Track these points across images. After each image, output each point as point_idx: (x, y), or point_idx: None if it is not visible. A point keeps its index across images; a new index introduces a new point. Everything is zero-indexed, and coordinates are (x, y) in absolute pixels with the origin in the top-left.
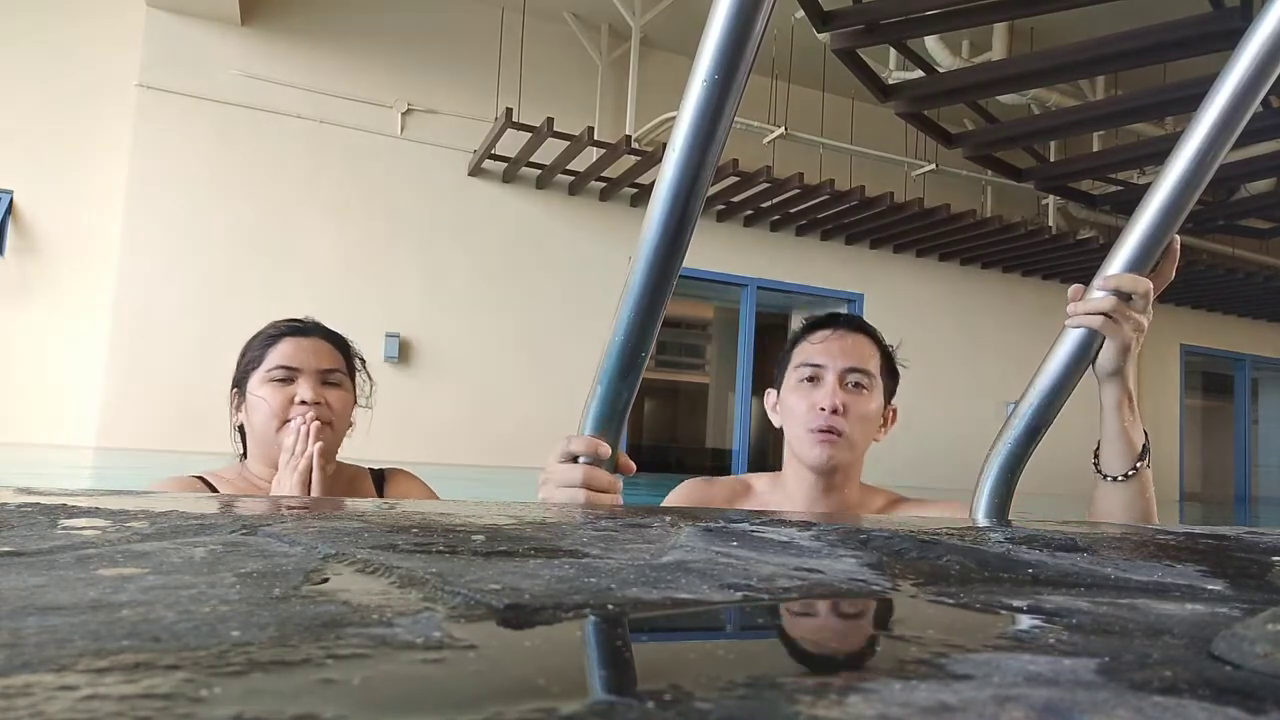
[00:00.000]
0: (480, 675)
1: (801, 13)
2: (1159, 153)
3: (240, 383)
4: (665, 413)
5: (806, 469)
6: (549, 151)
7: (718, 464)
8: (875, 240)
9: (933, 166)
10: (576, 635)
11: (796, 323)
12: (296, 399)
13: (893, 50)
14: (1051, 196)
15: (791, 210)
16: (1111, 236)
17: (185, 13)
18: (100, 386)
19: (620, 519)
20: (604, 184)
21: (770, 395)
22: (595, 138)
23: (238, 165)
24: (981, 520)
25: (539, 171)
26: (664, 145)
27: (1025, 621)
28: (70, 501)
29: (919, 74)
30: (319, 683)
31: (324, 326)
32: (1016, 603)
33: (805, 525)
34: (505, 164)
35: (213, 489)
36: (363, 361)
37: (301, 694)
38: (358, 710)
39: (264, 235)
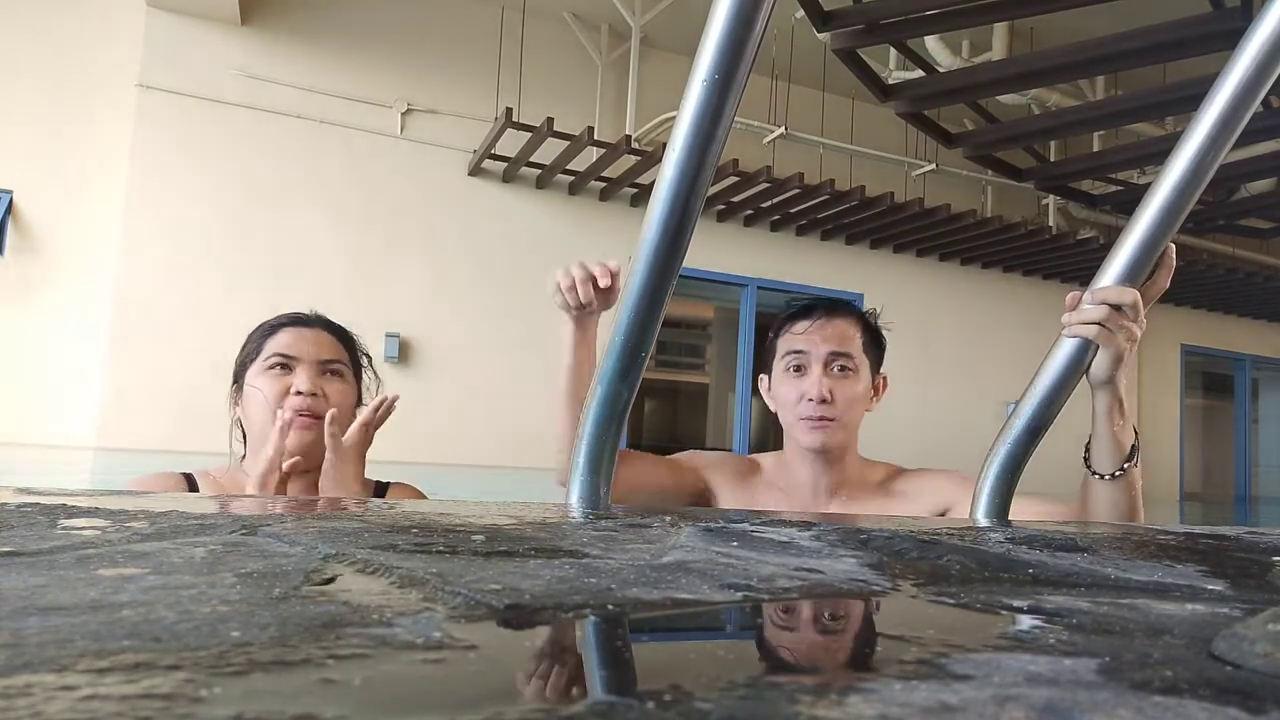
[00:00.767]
0: (480, 675)
1: (801, 13)
2: (1159, 153)
3: (239, 376)
4: (665, 412)
5: (805, 450)
6: (549, 151)
7: None
8: (875, 240)
9: (933, 166)
10: (576, 635)
11: None
12: (293, 389)
13: (893, 50)
14: (1051, 196)
15: (791, 210)
16: (1111, 236)
17: (185, 13)
18: (100, 386)
19: (620, 519)
20: (604, 184)
21: (763, 380)
22: (595, 138)
23: (238, 165)
24: (981, 520)
25: (539, 171)
26: (664, 145)
27: (1026, 621)
28: (70, 501)
29: (919, 74)
30: (319, 683)
31: (327, 319)
32: (1017, 603)
33: (805, 525)
34: (505, 164)
35: (194, 487)
36: (369, 358)
37: (301, 694)
38: (358, 710)
39: (264, 235)
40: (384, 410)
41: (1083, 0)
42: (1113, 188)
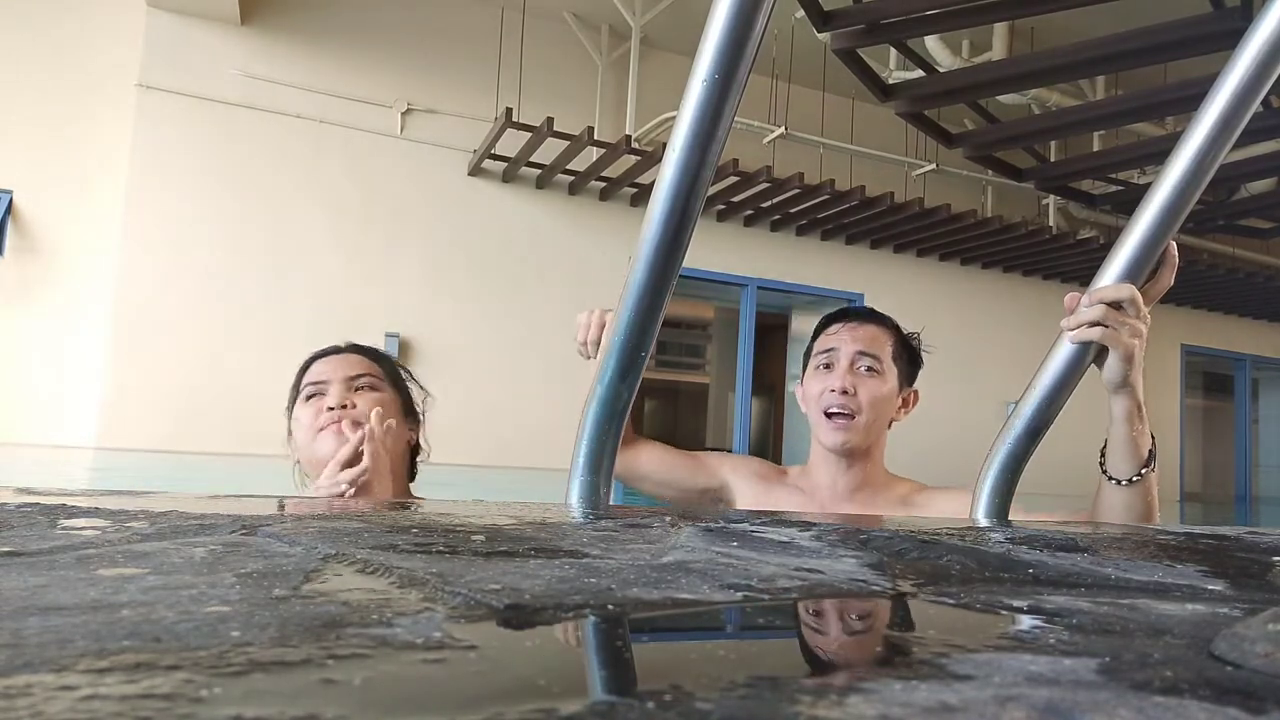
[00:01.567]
0: (480, 675)
1: (801, 13)
2: (1159, 153)
3: (289, 420)
4: (665, 413)
5: (828, 451)
6: (549, 151)
7: None
8: (875, 240)
9: (933, 166)
10: (576, 635)
11: (796, 323)
12: (324, 407)
13: (893, 50)
14: (1051, 196)
15: (791, 210)
16: (1111, 236)
17: (185, 13)
18: (100, 386)
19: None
20: (604, 184)
21: (798, 389)
22: (595, 138)
23: (238, 165)
24: (981, 520)
25: (539, 171)
26: (664, 145)
27: (1026, 621)
28: (70, 501)
29: (919, 74)
30: (319, 683)
31: (357, 344)
32: (1017, 603)
33: (805, 525)
34: (505, 164)
35: None
36: (408, 372)
37: (302, 694)
38: (358, 710)
39: (264, 235)
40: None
41: (1083, 0)
42: (1113, 188)
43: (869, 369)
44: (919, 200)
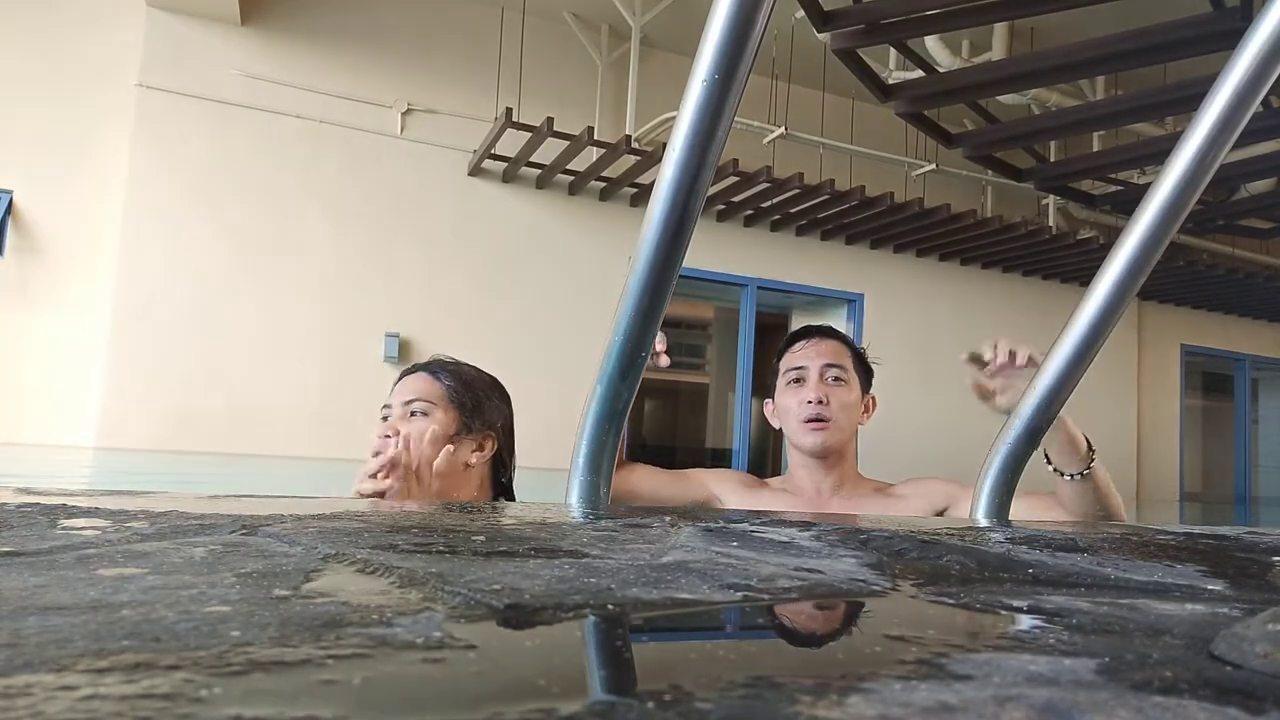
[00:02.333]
0: (480, 675)
1: (801, 13)
2: (1159, 153)
3: None
4: (665, 412)
5: (807, 456)
6: (549, 151)
7: (718, 464)
8: (875, 240)
9: (933, 166)
10: (576, 635)
11: (796, 323)
12: (379, 434)
13: (893, 50)
14: (1051, 196)
15: (791, 210)
16: (1111, 236)
17: (185, 13)
18: (100, 387)
19: (620, 519)
20: (604, 184)
21: (768, 404)
22: (595, 138)
23: (238, 165)
24: (981, 520)
25: (539, 171)
26: (664, 145)
27: (1025, 622)
28: (70, 501)
29: (919, 74)
30: (319, 683)
31: (439, 361)
32: (1017, 603)
33: (805, 525)
34: (505, 164)
35: None
36: (503, 404)
37: (301, 694)
38: (358, 710)
39: (264, 235)
40: (417, 454)
41: (1083, 0)
42: (1113, 188)
43: (836, 379)
44: (919, 200)
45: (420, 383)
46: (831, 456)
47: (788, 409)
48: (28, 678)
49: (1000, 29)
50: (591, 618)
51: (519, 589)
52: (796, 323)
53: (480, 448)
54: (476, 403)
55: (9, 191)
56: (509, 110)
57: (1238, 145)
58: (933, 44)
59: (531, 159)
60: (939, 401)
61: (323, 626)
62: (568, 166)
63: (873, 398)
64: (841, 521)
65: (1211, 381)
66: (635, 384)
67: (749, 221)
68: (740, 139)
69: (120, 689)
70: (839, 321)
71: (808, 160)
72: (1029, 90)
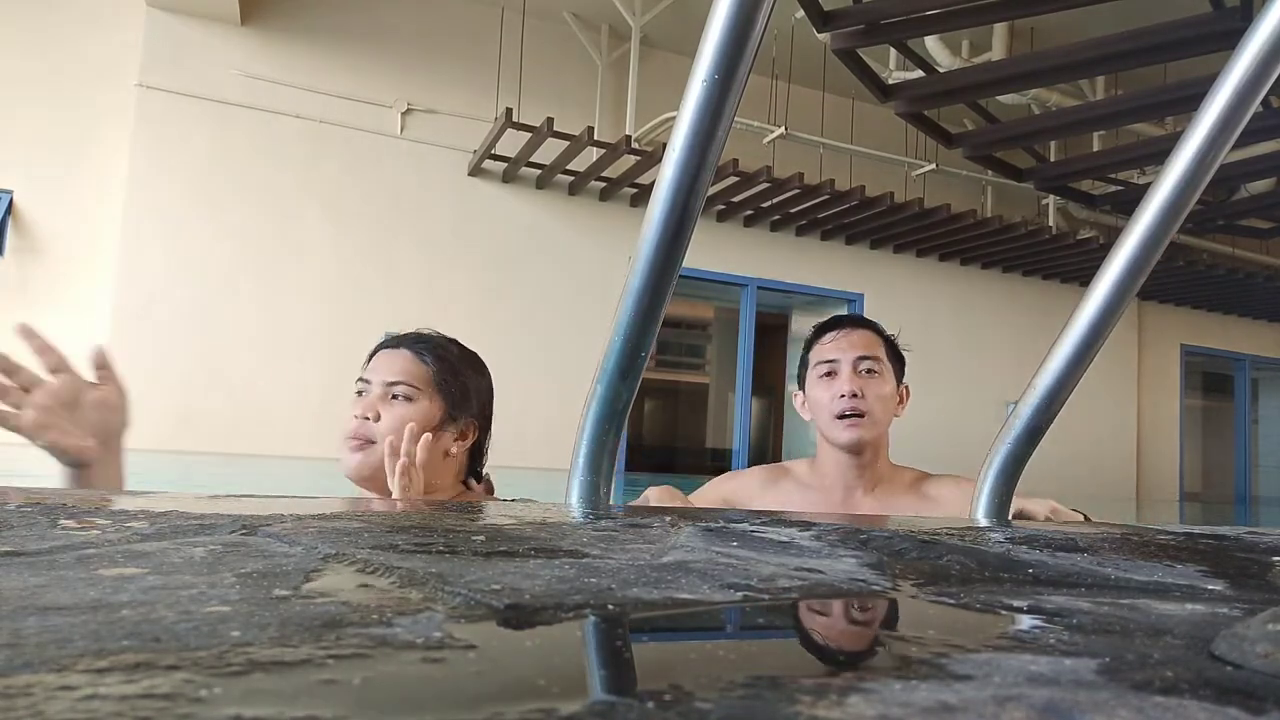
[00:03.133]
0: (480, 675)
1: (801, 13)
2: (1159, 153)
3: None
4: (665, 413)
5: (839, 450)
6: (549, 151)
7: (718, 464)
8: (875, 240)
9: (933, 166)
10: (576, 635)
11: (796, 323)
12: (354, 413)
13: (893, 50)
14: (1051, 196)
15: (791, 210)
16: (1111, 236)
17: (185, 13)
18: None
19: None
20: (604, 184)
21: (797, 396)
22: (595, 138)
23: (238, 165)
24: (981, 520)
25: (539, 171)
26: (664, 145)
27: (1026, 621)
28: (70, 501)
29: (919, 74)
30: (319, 683)
31: (425, 338)
32: (1017, 603)
33: (805, 525)
34: (505, 164)
35: None
36: (487, 389)
37: (301, 694)
38: (358, 710)
39: (264, 235)
40: (404, 449)
41: (1083, 0)
42: (1113, 188)
43: (870, 370)
44: (919, 200)
45: (404, 362)
46: (866, 451)
47: (820, 402)
48: (28, 678)
49: (1000, 29)
50: (591, 618)
51: (519, 589)
52: (796, 323)
53: (462, 436)
54: (463, 391)
55: (9, 191)
56: (509, 110)
57: (1238, 145)
58: (933, 44)
59: (531, 159)
60: (939, 401)
61: (323, 626)
62: (568, 167)
63: (906, 387)
64: (843, 521)
65: (1211, 381)
66: (635, 384)
67: (749, 221)
68: (740, 139)
69: (120, 689)
70: None
71: (808, 160)
72: (1029, 90)
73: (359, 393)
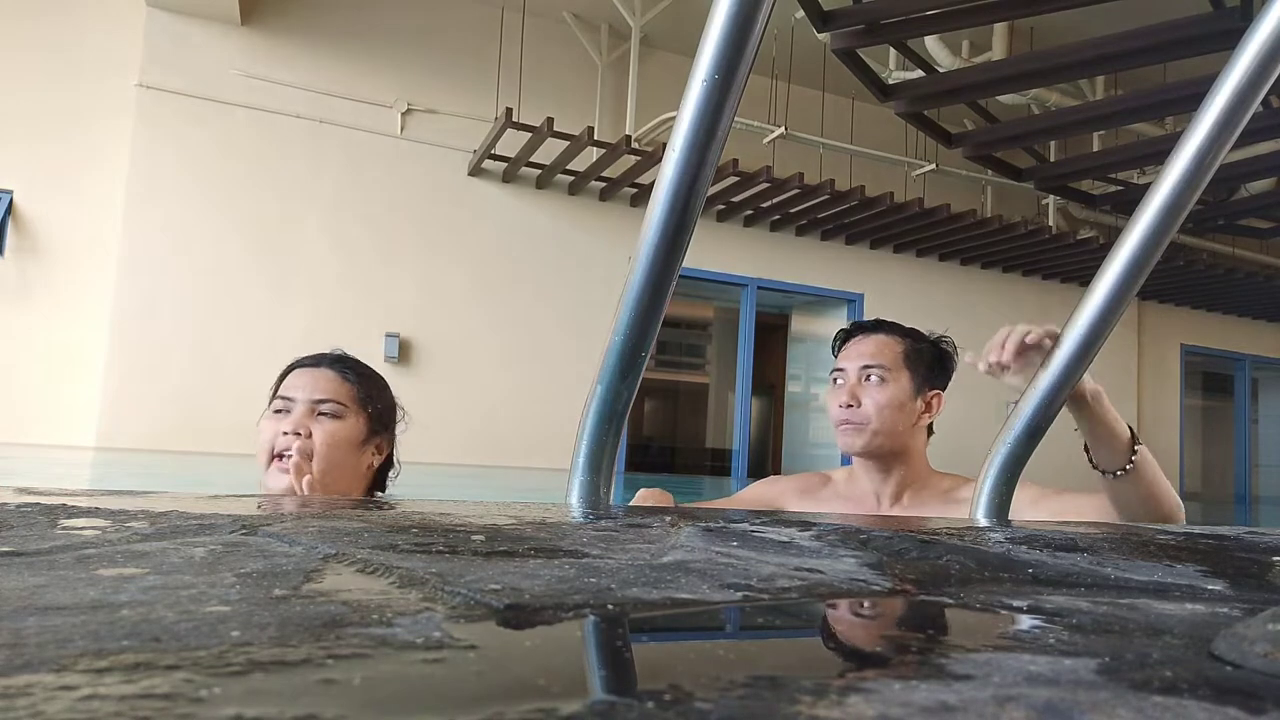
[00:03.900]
0: (480, 675)
1: (801, 13)
2: (1159, 153)
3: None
4: (665, 413)
5: (854, 457)
6: (549, 151)
7: (717, 464)
8: (875, 240)
9: (933, 166)
10: (576, 635)
11: (796, 323)
12: (281, 430)
13: (893, 50)
14: (1051, 196)
15: (791, 210)
16: (1111, 236)
17: (185, 13)
18: (100, 387)
19: (620, 519)
20: (604, 184)
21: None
22: (595, 138)
23: (238, 165)
24: (981, 520)
25: (539, 171)
26: (664, 145)
27: (1025, 621)
28: (70, 501)
29: (919, 74)
30: (319, 683)
31: (342, 358)
32: (1016, 603)
33: (805, 525)
34: (505, 164)
35: None
36: (396, 405)
37: (301, 694)
38: (358, 710)
39: (264, 235)
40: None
41: (1083, 0)
42: (1113, 188)
43: (875, 378)
44: (919, 200)
45: (330, 382)
46: (883, 458)
47: (828, 411)
48: (28, 678)
49: (1000, 29)
50: (591, 618)
51: (519, 589)
52: (796, 323)
53: (379, 450)
54: (387, 407)
55: (9, 191)
56: (509, 110)
57: (1238, 145)
58: (933, 44)
59: (531, 159)
60: None
61: (323, 626)
62: (568, 166)
63: (937, 394)
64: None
65: (1211, 381)
66: (635, 384)
67: (749, 221)
68: (740, 139)
69: (120, 689)
70: (839, 322)
71: (808, 160)
72: (1029, 90)
73: (278, 411)
